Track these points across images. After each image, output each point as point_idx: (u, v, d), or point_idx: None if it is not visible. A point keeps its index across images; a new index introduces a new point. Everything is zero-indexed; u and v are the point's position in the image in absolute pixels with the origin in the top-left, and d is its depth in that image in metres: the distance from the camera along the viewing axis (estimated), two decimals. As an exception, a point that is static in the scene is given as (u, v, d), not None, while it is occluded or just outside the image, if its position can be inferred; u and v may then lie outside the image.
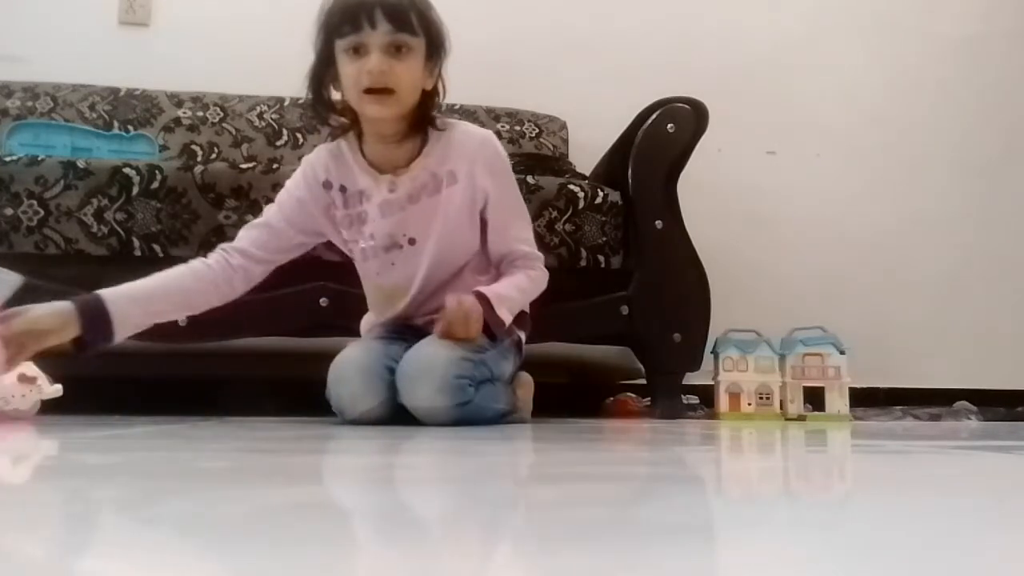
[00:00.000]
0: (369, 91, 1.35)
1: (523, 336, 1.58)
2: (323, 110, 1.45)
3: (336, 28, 1.37)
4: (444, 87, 1.45)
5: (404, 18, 1.35)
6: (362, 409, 1.40)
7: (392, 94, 1.36)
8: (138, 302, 1.35)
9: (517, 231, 1.54)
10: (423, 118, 1.44)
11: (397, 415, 1.41)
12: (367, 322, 1.63)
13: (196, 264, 1.44)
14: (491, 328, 1.44)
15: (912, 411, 2.24)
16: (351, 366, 1.42)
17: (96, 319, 1.30)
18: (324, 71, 1.41)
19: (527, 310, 1.60)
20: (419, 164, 1.45)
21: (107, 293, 1.33)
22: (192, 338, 1.78)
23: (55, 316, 1.28)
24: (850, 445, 1.19)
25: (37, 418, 1.47)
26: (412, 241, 1.47)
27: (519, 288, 1.50)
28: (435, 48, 1.40)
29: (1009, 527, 0.47)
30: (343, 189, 1.48)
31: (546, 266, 1.84)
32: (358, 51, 1.35)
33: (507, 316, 1.45)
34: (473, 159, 1.46)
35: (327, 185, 1.48)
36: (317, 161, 1.50)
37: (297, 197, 1.49)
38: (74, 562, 0.35)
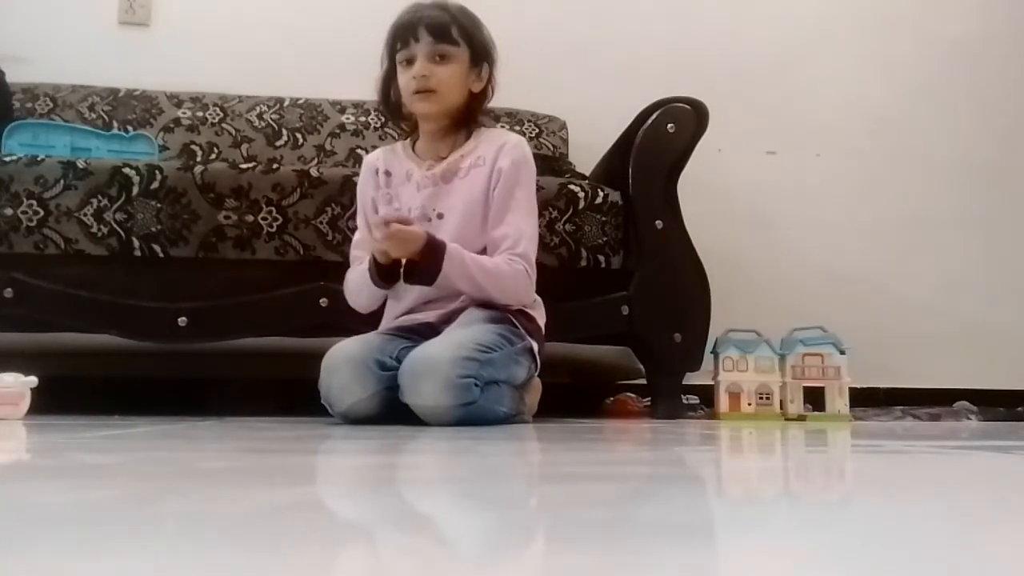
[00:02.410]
0: (416, 92, 1.58)
1: (536, 346, 1.58)
2: (392, 115, 1.72)
3: (392, 46, 1.62)
4: (493, 89, 1.66)
5: (444, 31, 1.59)
6: (350, 401, 1.42)
7: (434, 93, 1.58)
8: (463, 263, 1.50)
9: (514, 225, 1.57)
10: (468, 117, 1.66)
11: (398, 415, 1.41)
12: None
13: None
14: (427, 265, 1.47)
15: (912, 411, 2.24)
16: (342, 356, 1.46)
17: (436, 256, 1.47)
18: (390, 83, 1.65)
19: (540, 323, 1.61)
20: (456, 154, 1.64)
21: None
22: (192, 338, 1.78)
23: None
24: (850, 445, 1.19)
25: (37, 418, 1.47)
26: (440, 216, 1.60)
27: (481, 264, 1.52)
28: (478, 56, 1.63)
29: (1009, 527, 0.47)
30: (388, 174, 1.67)
31: (546, 266, 1.85)
32: (409, 62, 1.60)
33: (447, 266, 1.47)
34: (500, 148, 1.62)
35: (378, 172, 1.69)
36: (373, 156, 1.73)
37: (360, 189, 1.70)
38: (74, 562, 0.35)
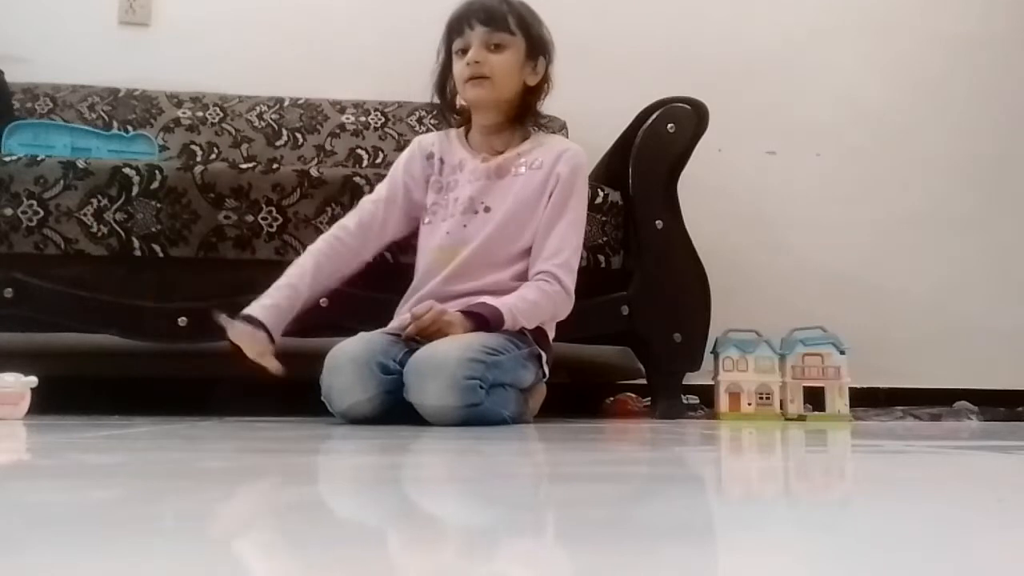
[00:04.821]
0: (469, 79, 1.59)
1: (544, 354, 1.58)
2: (446, 108, 1.70)
3: (449, 36, 1.63)
4: (549, 85, 1.66)
5: (499, 19, 1.59)
6: (350, 401, 1.42)
7: (488, 80, 1.58)
8: (274, 299, 1.55)
9: (562, 237, 1.60)
10: (523, 112, 1.66)
11: (396, 416, 1.41)
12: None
13: (313, 255, 1.62)
14: (492, 325, 1.48)
15: (912, 411, 2.24)
16: (345, 356, 1.45)
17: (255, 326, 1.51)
18: (446, 75, 1.65)
19: (549, 332, 1.62)
20: (512, 151, 1.65)
21: (252, 309, 1.53)
22: (192, 338, 1.78)
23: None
24: (850, 445, 1.19)
25: (37, 418, 1.47)
26: (487, 209, 1.61)
27: (525, 299, 1.53)
28: (534, 48, 1.62)
29: (1009, 527, 0.47)
30: (442, 161, 1.68)
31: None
32: (464, 52, 1.60)
33: (513, 319, 1.50)
34: (559, 155, 1.63)
35: (430, 156, 1.69)
36: (427, 139, 1.73)
37: (403, 166, 1.70)
38: (74, 562, 0.35)
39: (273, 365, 1.49)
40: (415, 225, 1.69)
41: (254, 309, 1.53)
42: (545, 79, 1.65)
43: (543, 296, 1.55)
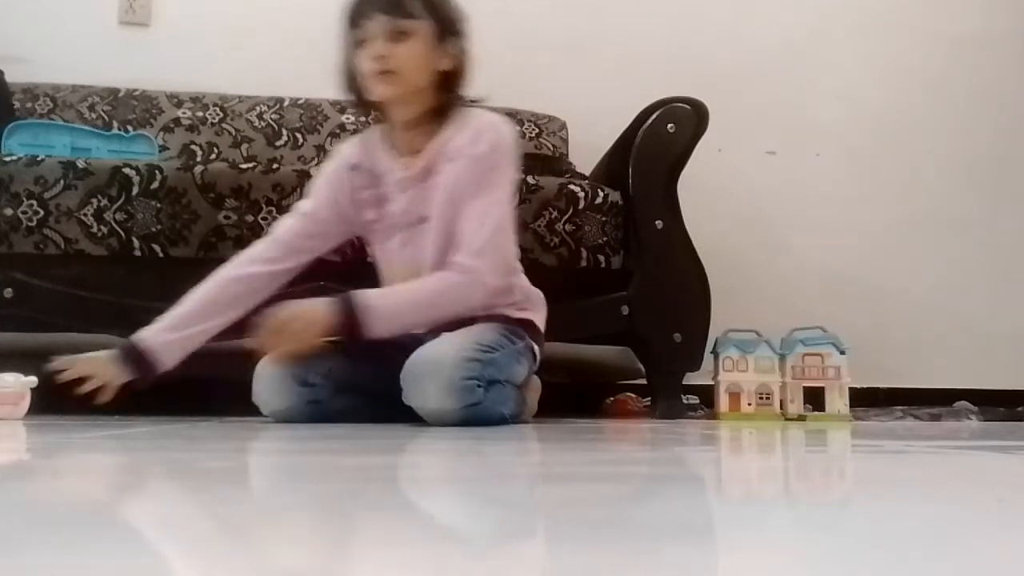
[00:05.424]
0: (375, 75, 1.45)
1: (537, 347, 1.57)
2: (360, 104, 1.56)
3: (347, 27, 1.48)
4: (466, 66, 1.50)
5: (399, 4, 1.44)
6: (269, 409, 1.47)
7: (395, 74, 1.44)
8: (174, 329, 1.46)
9: (474, 217, 1.44)
10: (441, 101, 1.50)
11: (401, 415, 1.40)
12: None
13: (225, 278, 1.50)
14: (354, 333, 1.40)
15: (912, 411, 2.24)
16: (263, 367, 1.48)
17: (136, 359, 1.43)
18: (351, 67, 1.50)
19: (539, 322, 1.57)
20: (433, 145, 1.50)
21: (141, 333, 1.45)
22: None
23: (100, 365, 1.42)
24: (850, 445, 1.19)
25: (37, 418, 1.47)
26: (424, 219, 1.50)
27: (415, 300, 1.44)
28: (444, 29, 1.47)
29: (1009, 527, 0.47)
30: (369, 171, 1.55)
31: (546, 266, 1.85)
32: (366, 43, 1.45)
33: (376, 324, 1.39)
34: (477, 135, 1.48)
35: (354, 167, 1.56)
36: (350, 147, 1.60)
37: (327, 180, 1.58)
38: (73, 562, 0.35)
39: (103, 397, 1.42)
40: (348, 237, 1.62)
41: (154, 339, 1.44)
42: (461, 60, 1.50)
43: (445, 287, 1.44)
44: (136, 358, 1.43)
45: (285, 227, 1.55)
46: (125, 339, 1.46)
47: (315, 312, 1.41)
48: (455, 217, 1.46)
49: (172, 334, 1.45)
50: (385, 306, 1.42)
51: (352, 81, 1.51)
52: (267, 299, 1.49)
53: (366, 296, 1.42)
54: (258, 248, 1.54)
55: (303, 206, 1.58)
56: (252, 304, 1.49)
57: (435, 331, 1.46)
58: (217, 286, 1.49)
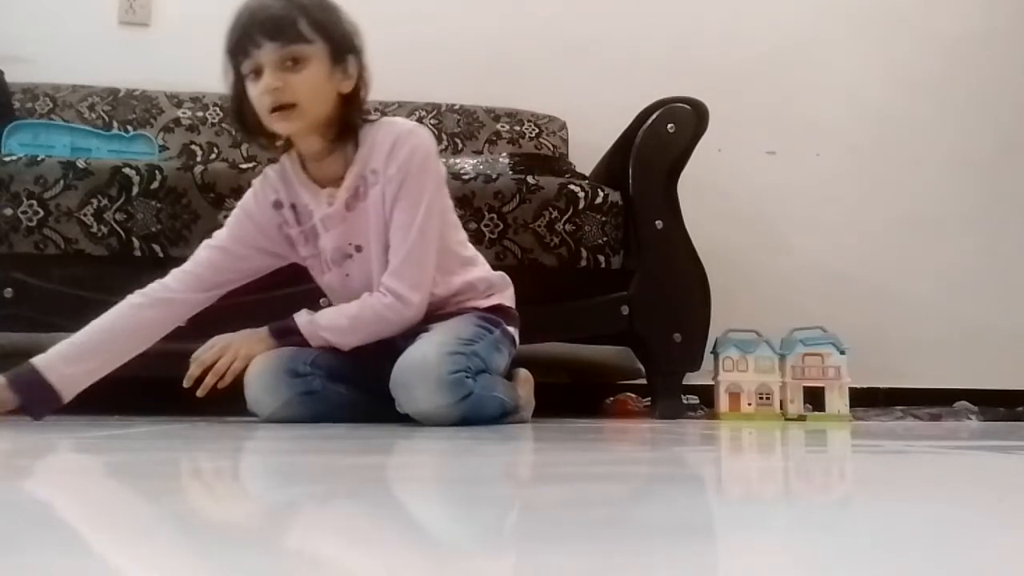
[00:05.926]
0: (273, 110, 1.35)
1: (515, 332, 1.57)
2: (253, 136, 1.45)
3: (233, 57, 1.36)
4: (367, 85, 1.42)
5: (289, 29, 1.33)
6: (267, 411, 1.45)
7: (295, 108, 1.34)
8: (76, 361, 1.39)
9: (398, 240, 1.41)
10: (347, 124, 1.42)
11: (400, 415, 1.41)
12: None
13: (133, 307, 1.44)
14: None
15: (912, 411, 2.24)
16: (253, 371, 1.45)
17: (34, 390, 1.35)
18: (241, 100, 1.39)
19: (508, 304, 1.55)
20: (351, 172, 1.43)
21: (39, 361, 1.36)
22: (192, 338, 1.78)
23: None
24: (850, 445, 1.19)
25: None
26: (359, 248, 1.47)
27: (339, 327, 1.44)
28: (340, 49, 1.38)
29: (1009, 527, 0.47)
30: (293, 207, 1.49)
31: (546, 266, 1.85)
32: (257, 74, 1.34)
33: (323, 337, 1.44)
34: (392, 147, 1.41)
35: (278, 204, 1.49)
36: (266, 182, 1.50)
37: (249, 217, 1.50)
38: (72, 562, 0.35)
39: None
40: (278, 267, 1.55)
41: (55, 371, 1.36)
42: (361, 80, 1.41)
43: (365, 312, 1.43)
44: (32, 387, 1.35)
45: (198, 259, 1.49)
46: (22, 364, 1.37)
47: (248, 344, 1.45)
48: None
49: (72, 367, 1.37)
50: (311, 333, 1.45)
51: (244, 118, 1.40)
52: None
53: (293, 322, 1.46)
54: (167, 280, 1.47)
55: (216, 239, 1.50)
56: (156, 338, 1.47)
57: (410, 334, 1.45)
58: (121, 319, 1.43)
